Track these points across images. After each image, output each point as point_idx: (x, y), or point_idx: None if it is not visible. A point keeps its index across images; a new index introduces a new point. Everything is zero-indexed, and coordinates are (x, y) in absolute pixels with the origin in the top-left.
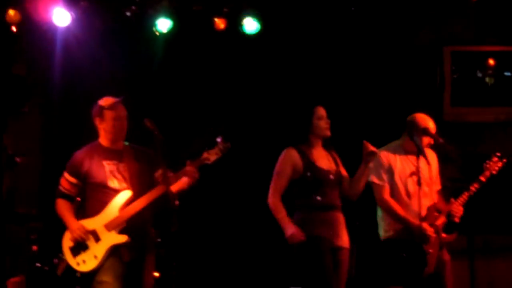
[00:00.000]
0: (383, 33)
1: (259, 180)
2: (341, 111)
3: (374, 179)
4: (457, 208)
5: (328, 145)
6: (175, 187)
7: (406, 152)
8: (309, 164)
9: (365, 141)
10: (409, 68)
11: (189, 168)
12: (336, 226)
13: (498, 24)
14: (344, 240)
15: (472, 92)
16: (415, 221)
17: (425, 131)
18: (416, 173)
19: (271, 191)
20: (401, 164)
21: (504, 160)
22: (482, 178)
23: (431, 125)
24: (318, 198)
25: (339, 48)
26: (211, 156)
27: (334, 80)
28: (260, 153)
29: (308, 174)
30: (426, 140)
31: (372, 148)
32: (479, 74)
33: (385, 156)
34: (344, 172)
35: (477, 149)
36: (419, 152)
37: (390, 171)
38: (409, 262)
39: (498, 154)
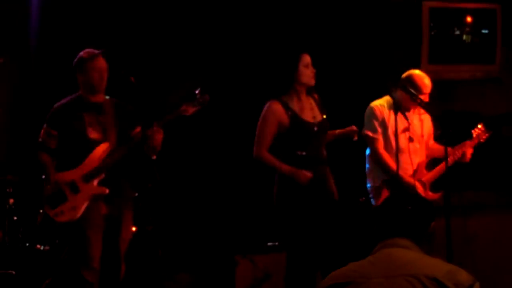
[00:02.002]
0: None
1: (239, 132)
2: (317, 67)
3: (368, 132)
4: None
5: (311, 90)
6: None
7: (400, 107)
8: (295, 117)
9: (354, 127)
10: (386, 25)
11: (150, 131)
12: (322, 180)
13: None
14: (330, 193)
15: (449, 49)
16: (405, 176)
17: (405, 87)
18: (408, 129)
19: (256, 146)
20: (394, 118)
21: (490, 132)
22: (470, 146)
23: (426, 82)
24: (303, 153)
25: (316, 3)
26: (190, 108)
27: (311, 37)
28: (241, 104)
29: (294, 128)
30: (423, 97)
31: (355, 137)
32: (457, 31)
33: (379, 110)
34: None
35: (454, 107)
36: (396, 108)
37: (384, 125)
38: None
39: (482, 124)
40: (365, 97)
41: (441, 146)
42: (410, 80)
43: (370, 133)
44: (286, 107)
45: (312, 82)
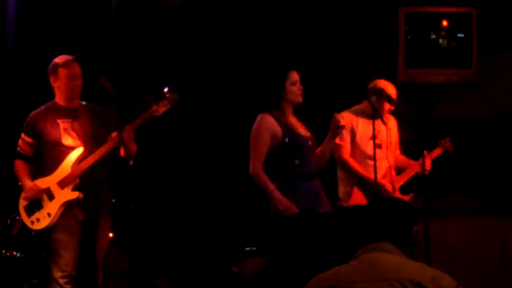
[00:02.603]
0: None
1: (218, 139)
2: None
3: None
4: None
5: (296, 112)
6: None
7: (368, 116)
8: (288, 129)
9: (336, 113)
10: (363, 29)
11: (121, 134)
12: (317, 194)
13: None
14: (325, 206)
15: (425, 53)
16: (373, 178)
17: (381, 92)
18: (377, 136)
19: (252, 161)
20: (362, 126)
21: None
22: (434, 155)
23: (391, 90)
24: (297, 162)
25: (293, 10)
26: (160, 108)
27: (289, 43)
28: (227, 118)
29: (287, 140)
30: (387, 106)
31: (342, 122)
32: (433, 36)
33: (348, 117)
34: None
35: (430, 110)
36: (374, 114)
37: (352, 133)
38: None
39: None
40: (342, 102)
41: (405, 158)
42: (375, 86)
43: (337, 140)
44: (278, 120)
45: (299, 99)
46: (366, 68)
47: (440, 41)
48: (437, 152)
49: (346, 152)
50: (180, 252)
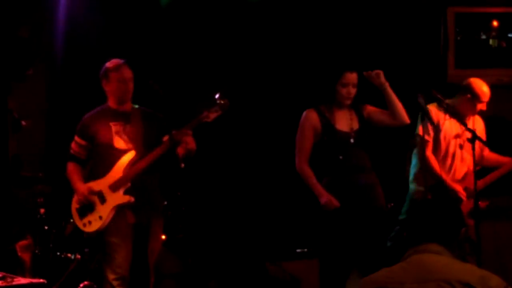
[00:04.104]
0: None
1: (268, 139)
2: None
3: (421, 131)
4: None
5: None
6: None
7: (456, 113)
8: (328, 126)
9: (364, 73)
10: (413, 30)
11: (173, 138)
12: (366, 188)
13: None
14: (376, 200)
15: (475, 54)
16: (450, 181)
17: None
18: (461, 136)
19: (297, 157)
20: (449, 123)
21: None
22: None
23: (485, 89)
24: (341, 157)
25: (344, 9)
26: (211, 114)
27: (338, 42)
28: (274, 111)
29: (325, 138)
30: (479, 106)
31: (374, 71)
32: (483, 36)
33: (435, 112)
34: (376, 115)
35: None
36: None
37: (437, 128)
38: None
39: None
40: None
41: (496, 155)
42: (469, 87)
43: (420, 132)
44: (322, 116)
45: (346, 102)
46: (415, 69)
47: (491, 41)
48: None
49: (429, 148)
50: (230, 254)
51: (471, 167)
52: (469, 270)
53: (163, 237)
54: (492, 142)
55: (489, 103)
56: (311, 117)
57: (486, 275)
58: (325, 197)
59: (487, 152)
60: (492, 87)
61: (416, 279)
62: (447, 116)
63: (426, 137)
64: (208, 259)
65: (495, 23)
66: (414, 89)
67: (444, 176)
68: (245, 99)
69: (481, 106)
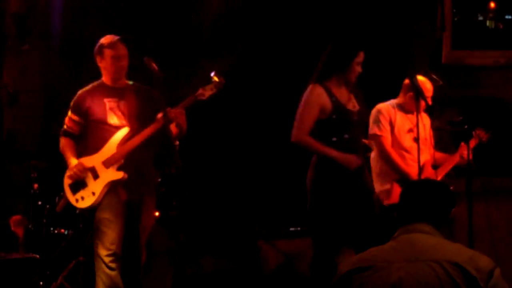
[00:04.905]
0: None
1: (261, 116)
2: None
3: (376, 130)
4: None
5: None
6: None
7: (405, 110)
8: (337, 105)
9: None
10: (409, 11)
11: (167, 115)
12: (364, 170)
13: None
14: (368, 183)
15: (472, 35)
16: (413, 174)
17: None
18: (414, 130)
19: (297, 130)
20: (400, 119)
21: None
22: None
23: (428, 86)
24: (346, 136)
25: None
26: (206, 92)
27: (333, 21)
28: (265, 87)
29: (334, 116)
30: (422, 103)
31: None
32: (480, 17)
33: (386, 109)
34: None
35: (476, 93)
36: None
37: (391, 125)
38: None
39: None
40: (388, 83)
41: (442, 154)
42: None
43: (377, 131)
44: (330, 93)
45: (354, 80)
46: (412, 49)
47: (488, 22)
48: (472, 143)
49: (388, 143)
50: (223, 232)
51: (429, 158)
52: (459, 250)
53: (157, 214)
54: (491, 125)
55: (486, 85)
56: (320, 94)
57: (475, 255)
58: (346, 158)
59: (433, 151)
60: (488, 68)
61: (405, 258)
62: (398, 112)
63: (382, 133)
64: (200, 235)
65: (492, 5)
66: (409, 69)
67: (407, 169)
68: (240, 74)
69: (424, 104)
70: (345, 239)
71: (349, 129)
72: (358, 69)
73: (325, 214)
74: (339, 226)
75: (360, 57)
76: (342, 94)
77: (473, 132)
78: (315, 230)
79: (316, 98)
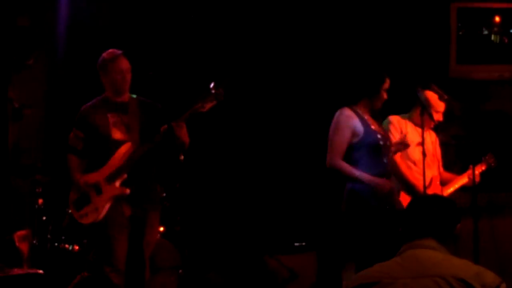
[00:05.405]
0: None
1: (268, 132)
2: (349, 66)
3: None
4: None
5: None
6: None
7: (415, 123)
8: (367, 127)
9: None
10: (415, 25)
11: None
12: (392, 192)
13: None
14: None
15: (477, 49)
16: (419, 186)
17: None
18: (422, 144)
19: (330, 154)
20: (411, 132)
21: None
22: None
23: (440, 102)
24: (385, 160)
25: (346, 4)
26: (206, 104)
27: (339, 37)
28: (277, 105)
29: (366, 137)
30: (437, 116)
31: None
32: (485, 31)
33: (397, 120)
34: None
35: (482, 107)
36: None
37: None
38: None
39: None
40: (394, 98)
41: (450, 174)
42: (425, 99)
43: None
44: (360, 117)
45: (380, 106)
46: (417, 63)
47: (493, 37)
48: (481, 167)
49: (398, 153)
50: (230, 246)
51: (436, 173)
52: (465, 266)
53: (161, 229)
54: (495, 138)
55: (491, 99)
56: (351, 117)
57: (481, 271)
58: (380, 182)
59: (441, 170)
60: (494, 82)
61: (410, 274)
62: (408, 124)
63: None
64: (206, 251)
65: (497, 19)
66: (415, 83)
67: (413, 181)
68: (245, 89)
69: (438, 117)
70: (349, 253)
71: (380, 153)
72: (385, 95)
73: (360, 238)
74: (373, 253)
75: (387, 83)
76: (369, 118)
77: (483, 157)
78: (320, 245)
79: (347, 120)
